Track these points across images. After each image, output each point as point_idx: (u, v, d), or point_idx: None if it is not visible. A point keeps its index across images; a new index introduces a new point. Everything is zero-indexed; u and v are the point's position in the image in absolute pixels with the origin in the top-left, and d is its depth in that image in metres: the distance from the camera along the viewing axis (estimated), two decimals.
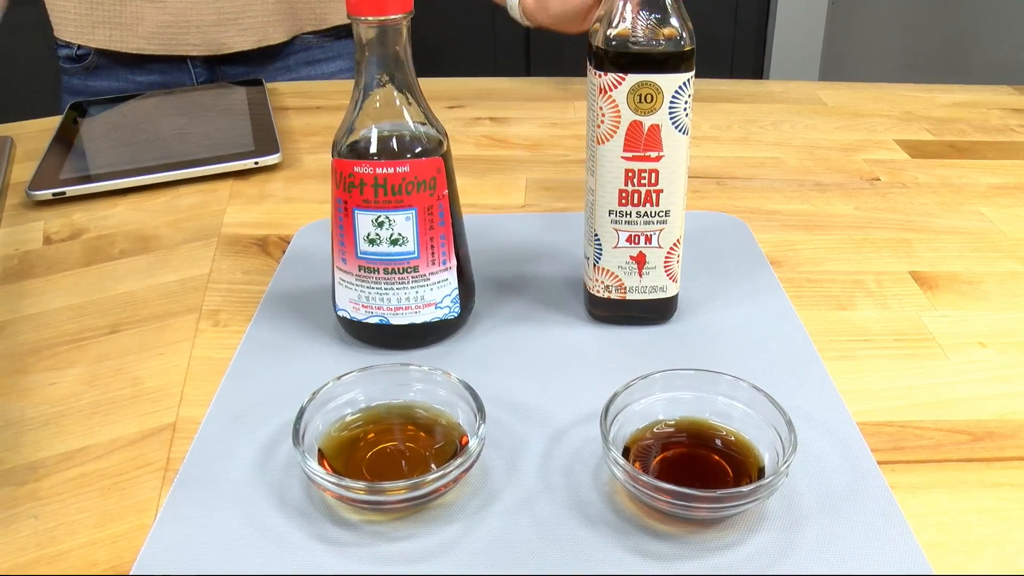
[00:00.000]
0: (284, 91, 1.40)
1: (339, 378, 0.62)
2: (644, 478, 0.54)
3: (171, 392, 0.71)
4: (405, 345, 0.73)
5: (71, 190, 1.03)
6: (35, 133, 1.23)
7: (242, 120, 1.21)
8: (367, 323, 0.72)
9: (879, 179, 1.07)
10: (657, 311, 0.76)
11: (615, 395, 0.60)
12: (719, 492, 0.54)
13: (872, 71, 3.13)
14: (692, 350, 0.74)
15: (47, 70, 1.69)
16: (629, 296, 0.74)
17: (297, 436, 0.57)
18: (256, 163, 1.08)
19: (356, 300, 0.71)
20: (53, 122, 1.25)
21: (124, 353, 0.76)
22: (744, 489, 0.54)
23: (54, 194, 1.02)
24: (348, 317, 0.72)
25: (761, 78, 3.13)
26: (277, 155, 1.09)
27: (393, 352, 0.73)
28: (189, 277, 0.87)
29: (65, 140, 1.18)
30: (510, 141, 1.20)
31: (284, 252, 0.90)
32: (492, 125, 1.25)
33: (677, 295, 0.76)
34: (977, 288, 0.84)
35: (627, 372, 0.64)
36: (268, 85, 1.35)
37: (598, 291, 0.75)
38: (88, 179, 1.05)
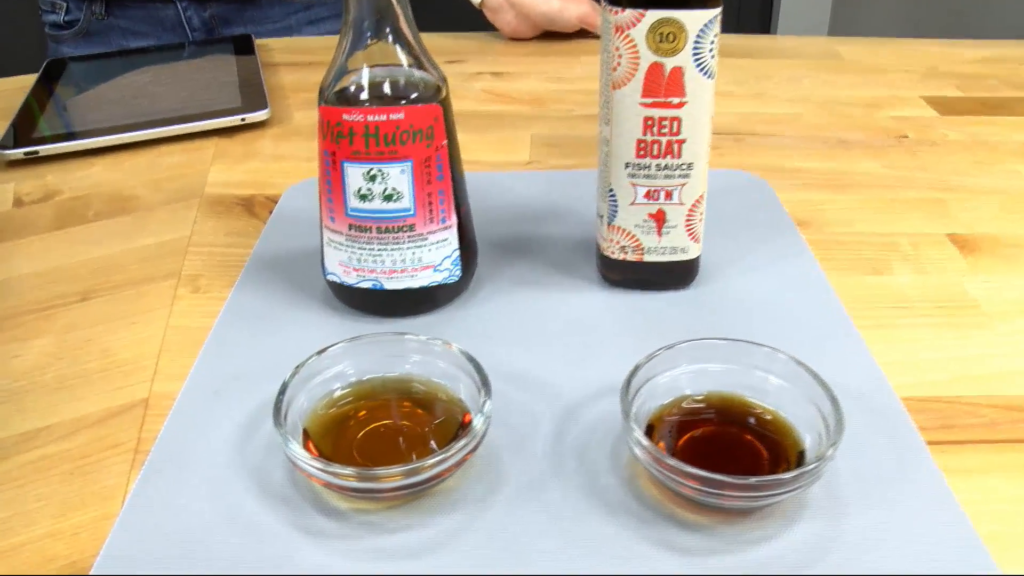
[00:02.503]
0: (275, 47, 1.33)
1: (325, 349, 0.55)
2: (670, 461, 0.48)
3: (144, 365, 0.65)
4: (400, 312, 0.67)
5: (45, 149, 0.96)
6: (9, 91, 1.16)
7: (229, 76, 1.14)
8: (358, 288, 0.65)
9: (907, 136, 1.01)
10: (676, 275, 0.69)
11: (637, 367, 0.53)
12: (756, 479, 0.48)
13: (883, 30, 3.06)
14: (715, 317, 0.67)
15: (30, 35, 1.62)
16: (646, 258, 0.68)
17: (279, 415, 0.51)
18: (243, 119, 1.01)
19: (346, 263, 0.64)
20: (28, 80, 1.18)
21: (95, 322, 0.70)
22: (785, 476, 0.47)
23: (26, 153, 0.96)
24: (338, 282, 0.66)
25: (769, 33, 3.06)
26: (265, 111, 1.03)
27: (387, 320, 0.67)
28: (168, 240, 0.81)
29: (41, 98, 1.11)
30: (512, 96, 1.13)
31: (271, 213, 0.83)
32: (493, 80, 1.18)
33: (698, 258, 0.69)
34: (1021, 252, 0.77)
35: (644, 341, 0.57)
36: (258, 41, 1.28)
37: (612, 252, 0.68)
38: (63, 137, 0.99)
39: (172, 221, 0.84)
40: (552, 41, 1.33)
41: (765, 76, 1.20)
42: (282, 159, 0.97)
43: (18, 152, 0.96)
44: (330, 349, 0.55)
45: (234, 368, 0.63)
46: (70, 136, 0.99)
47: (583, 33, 1.33)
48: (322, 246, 0.67)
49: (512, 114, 1.07)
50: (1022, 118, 1.07)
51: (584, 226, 0.78)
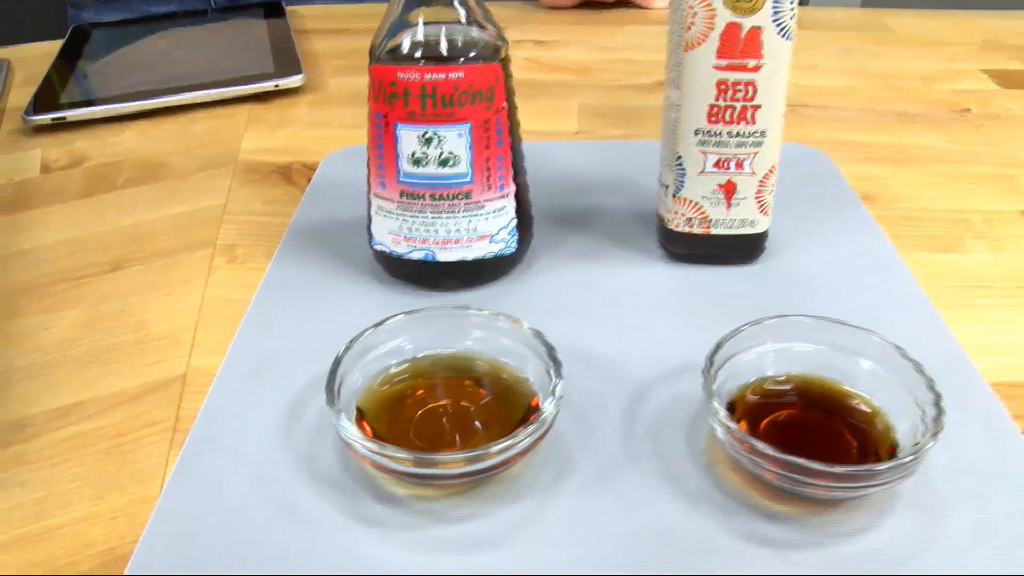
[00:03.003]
0: (305, 14, 1.28)
1: (382, 322, 0.51)
2: (756, 443, 0.44)
3: (181, 338, 0.61)
4: (453, 285, 0.63)
5: (73, 114, 0.92)
6: (36, 57, 1.12)
7: (260, 41, 1.10)
8: (409, 259, 0.61)
9: (969, 110, 0.96)
10: (743, 249, 0.65)
11: (720, 343, 0.49)
12: (850, 468, 0.44)
13: (920, 2, 2.99)
14: (785, 294, 0.63)
15: (50, 1, 1.58)
16: (713, 231, 0.63)
17: (332, 392, 0.47)
18: (277, 85, 0.97)
19: (397, 232, 0.60)
20: (53, 47, 1.14)
21: (128, 293, 0.66)
22: (881, 467, 0.43)
23: (53, 119, 0.92)
24: (387, 252, 0.62)
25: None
26: (300, 77, 0.98)
27: (437, 293, 0.63)
28: (202, 208, 0.77)
29: (68, 63, 1.07)
30: (556, 65, 1.09)
31: (310, 181, 0.79)
32: (535, 48, 1.14)
33: (767, 232, 0.65)
34: None
35: (712, 318, 0.54)
36: (288, 8, 1.24)
37: (677, 225, 0.64)
38: (92, 103, 0.95)
39: (206, 188, 0.80)
40: (591, 11, 1.28)
41: (813, 47, 1.16)
42: (319, 126, 0.93)
43: (45, 117, 0.92)
44: (387, 322, 0.52)
45: (276, 343, 0.59)
46: (98, 102, 0.95)
47: (622, 3, 1.28)
48: (369, 214, 0.63)
49: (557, 83, 1.03)
50: None
51: (641, 198, 0.74)
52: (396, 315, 0.52)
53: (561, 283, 0.65)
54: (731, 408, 0.50)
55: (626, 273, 0.66)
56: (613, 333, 0.59)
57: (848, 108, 0.97)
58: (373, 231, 0.63)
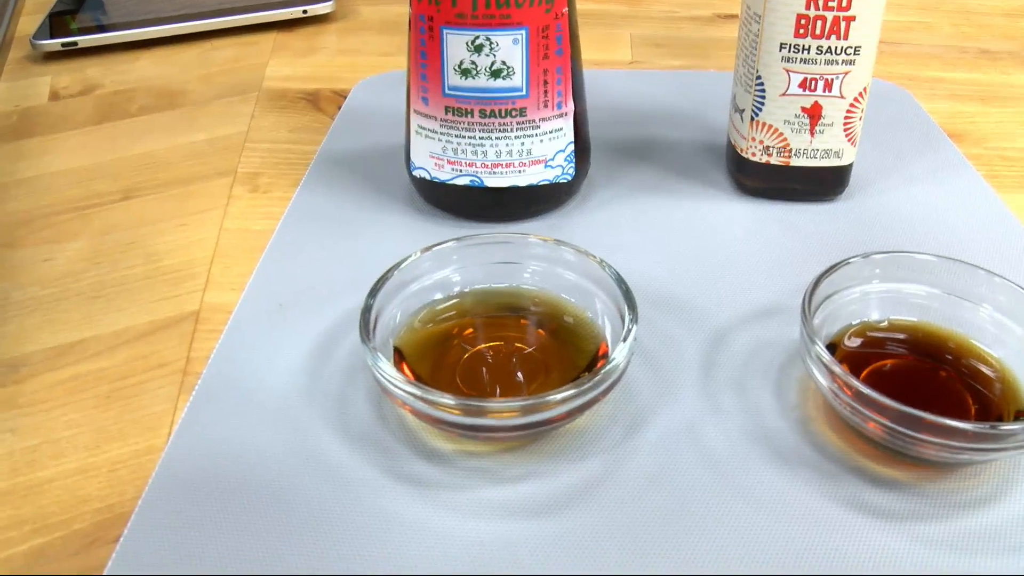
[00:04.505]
0: None
1: (427, 250, 0.44)
2: (864, 389, 0.36)
3: (195, 272, 0.54)
4: (502, 215, 0.56)
5: (84, 40, 0.85)
6: None
7: None
8: (453, 185, 0.54)
9: None
10: (825, 183, 0.58)
11: (820, 277, 0.42)
12: (978, 426, 0.36)
13: None
14: (874, 235, 0.56)
15: None
16: (794, 161, 0.56)
17: (366, 328, 0.40)
18: (305, 11, 0.90)
19: (440, 154, 0.53)
20: None
21: (138, 224, 0.59)
22: (1014, 427, 0.36)
23: (64, 44, 0.85)
24: (428, 178, 0.54)
25: None
26: (330, 2, 0.91)
27: (484, 224, 0.56)
28: (222, 136, 0.70)
29: None
30: None
31: (340, 108, 0.72)
32: None
33: (851, 165, 0.57)
34: None
35: (795, 258, 0.47)
36: None
37: (754, 154, 0.56)
38: (105, 28, 0.88)
39: (226, 115, 0.73)
40: None
41: None
42: (351, 53, 0.85)
43: (55, 43, 0.85)
44: (433, 249, 0.44)
45: (301, 278, 0.52)
46: (112, 27, 0.88)
47: None
48: (408, 136, 0.55)
49: (607, 13, 0.95)
50: None
51: (708, 129, 0.67)
52: (444, 241, 0.45)
53: (622, 217, 0.58)
54: (831, 348, 0.42)
55: (695, 208, 0.59)
56: (684, 272, 0.52)
57: (928, 44, 0.89)
58: (412, 155, 0.55)
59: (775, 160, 0.57)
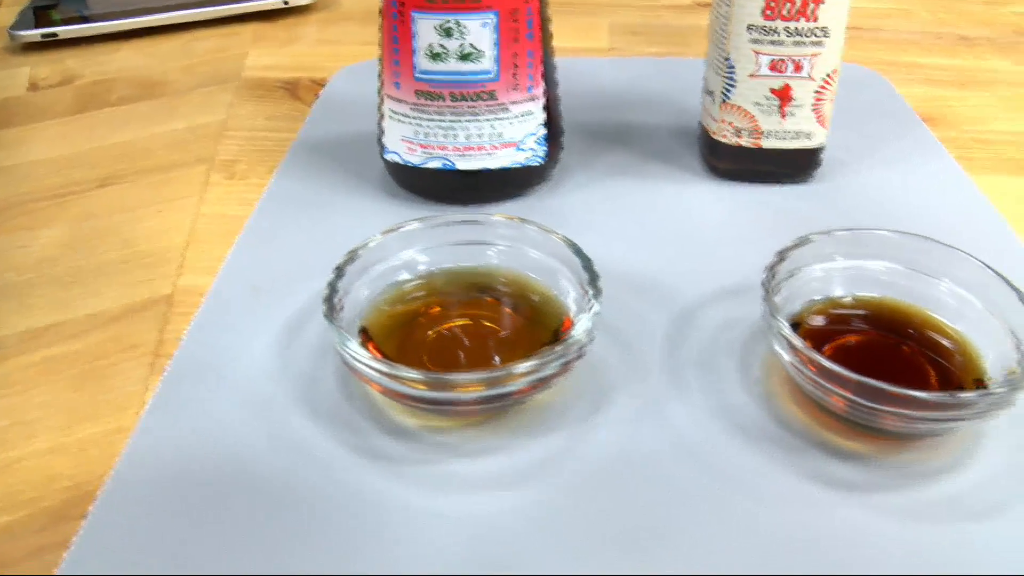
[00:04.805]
0: None
1: (392, 230, 0.44)
2: (826, 363, 0.37)
3: (169, 257, 0.55)
4: (474, 198, 0.56)
5: (64, 31, 0.85)
6: None
7: None
8: (425, 168, 0.54)
9: None
10: (797, 165, 0.58)
11: (783, 253, 0.42)
12: (936, 396, 0.37)
13: None
14: (845, 214, 0.57)
15: None
16: (765, 143, 0.56)
17: (331, 307, 0.40)
18: (285, 2, 0.90)
19: (412, 138, 0.53)
20: None
21: (114, 210, 0.60)
22: (970, 396, 0.36)
23: (43, 35, 0.85)
24: (400, 161, 0.55)
25: None
26: None
27: (457, 208, 0.56)
28: (201, 124, 0.70)
29: None
30: None
31: (318, 96, 0.72)
32: None
33: (823, 147, 0.58)
34: None
35: (764, 238, 0.47)
36: None
37: (725, 136, 0.57)
38: (85, 19, 0.88)
39: (206, 104, 0.74)
40: None
41: None
42: (330, 43, 0.86)
43: (34, 34, 0.85)
44: (399, 229, 0.45)
45: (276, 261, 0.52)
46: (93, 18, 0.88)
47: None
48: (381, 121, 0.56)
49: (587, 0, 0.95)
50: None
51: (682, 114, 0.67)
52: (409, 221, 0.45)
53: (595, 199, 0.58)
54: (794, 326, 0.43)
55: (667, 190, 0.59)
56: (654, 252, 0.53)
57: (905, 31, 0.89)
58: (385, 139, 0.56)
59: (746, 142, 0.57)
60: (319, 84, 0.76)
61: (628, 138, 0.65)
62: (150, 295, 0.52)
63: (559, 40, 0.75)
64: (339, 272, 0.42)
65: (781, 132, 0.56)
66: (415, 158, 0.54)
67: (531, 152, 0.54)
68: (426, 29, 0.50)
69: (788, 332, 0.39)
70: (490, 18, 0.50)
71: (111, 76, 0.80)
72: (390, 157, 0.56)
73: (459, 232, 0.46)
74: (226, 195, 0.61)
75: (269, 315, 0.48)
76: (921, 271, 0.44)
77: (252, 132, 0.69)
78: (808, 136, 0.57)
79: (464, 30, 0.50)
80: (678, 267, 0.51)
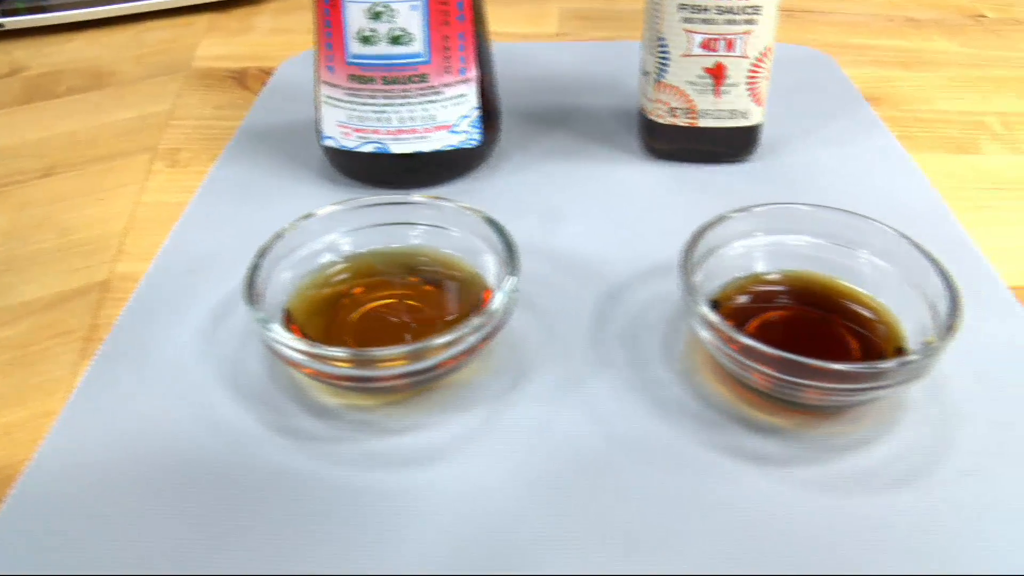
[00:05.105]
0: None
1: (311, 214, 0.45)
2: (742, 338, 0.37)
3: (107, 245, 0.55)
4: (410, 182, 0.56)
5: (10, 21, 0.85)
6: None
7: None
8: (360, 153, 0.54)
9: (984, 16, 0.89)
10: (734, 144, 0.59)
11: (700, 232, 0.43)
12: (853, 366, 0.37)
13: None
14: (782, 192, 0.57)
15: None
16: (701, 122, 0.57)
17: (252, 291, 0.40)
18: None
19: (346, 122, 0.54)
20: None
21: (55, 199, 0.60)
22: (886, 365, 0.36)
23: None
24: (336, 146, 0.55)
25: None
26: None
27: (395, 192, 0.56)
28: (148, 114, 0.70)
29: None
30: None
31: (265, 85, 0.72)
32: None
33: (761, 125, 0.58)
34: None
35: (699, 216, 0.47)
36: None
37: (661, 116, 0.57)
38: (33, 10, 0.87)
39: (153, 94, 0.74)
40: None
41: None
42: (284, 32, 0.86)
43: None
44: (319, 212, 0.45)
45: (212, 246, 0.53)
46: (41, 9, 0.87)
47: None
48: (318, 107, 0.56)
49: None
50: None
51: (625, 96, 0.67)
52: (331, 205, 0.45)
53: (533, 181, 0.58)
54: (715, 307, 0.43)
55: (604, 171, 0.59)
56: (587, 232, 0.53)
57: (855, 12, 0.90)
58: (322, 125, 0.56)
59: (682, 121, 0.57)
60: (268, 73, 0.76)
61: (570, 121, 0.65)
62: (85, 282, 0.52)
63: (507, 26, 0.76)
64: (260, 256, 0.42)
65: (716, 111, 0.56)
66: (350, 142, 0.55)
67: (465, 135, 0.55)
68: (356, 13, 0.51)
69: (706, 311, 0.39)
70: (419, 1, 0.50)
71: (60, 67, 0.80)
72: (327, 142, 0.56)
73: (381, 214, 0.46)
74: (168, 183, 0.61)
75: (202, 300, 0.48)
76: (841, 243, 0.44)
77: (198, 121, 0.69)
78: (744, 115, 0.57)
79: (394, 13, 0.50)
80: (610, 246, 0.52)
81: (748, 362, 0.38)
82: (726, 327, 0.38)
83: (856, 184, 0.58)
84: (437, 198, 0.46)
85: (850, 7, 0.91)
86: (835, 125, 0.65)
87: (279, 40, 0.83)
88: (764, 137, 0.60)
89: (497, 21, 0.79)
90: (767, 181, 0.58)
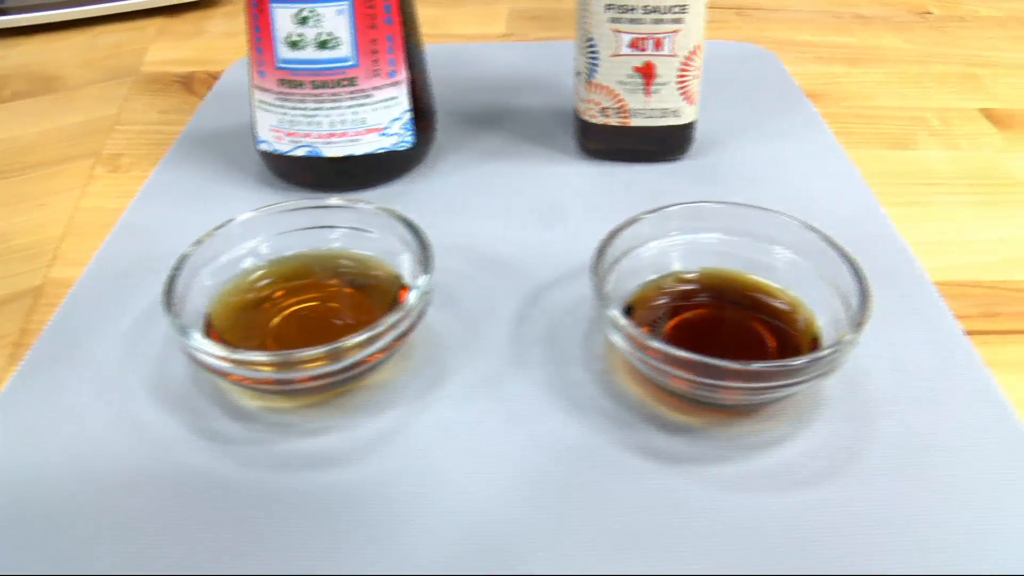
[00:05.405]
0: None
1: (229, 221, 0.45)
2: (655, 344, 0.38)
3: (44, 250, 0.55)
4: (345, 184, 0.57)
5: None
6: None
7: None
8: (293, 156, 0.55)
9: (930, 12, 0.90)
10: (668, 143, 0.59)
11: (613, 234, 0.43)
12: (759, 365, 0.37)
13: None
14: (714, 191, 0.57)
15: None
16: (633, 122, 0.57)
17: (170, 299, 0.40)
18: None
19: (279, 126, 0.54)
20: None
21: None
22: (795, 362, 0.37)
23: None
24: (271, 150, 0.55)
25: None
26: None
27: (332, 194, 0.56)
28: (93, 119, 0.71)
29: None
30: None
31: (211, 89, 0.73)
32: None
33: (694, 123, 0.59)
34: None
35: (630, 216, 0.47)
36: None
37: (593, 116, 0.58)
38: None
39: (100, 99, 0.74)
40: None
41: None
42: (234, 36, 0.86)
43: None
44: (239, 219, 0.45)
45: (147, 250, 0.53)
46: None
47: None
48: (253, 111, 0.56)
49: None
50: None
51: (565, 96, 0.68)
52: (248, 212, 0.46)
53: (467, 182, 0.59)
54: (630, 310, 0.44)
55: (539, 171, 0.60)
56: (516, 232, 0.53)
57: (804, 10, 0.91)
58: (257, 129, 0.56)
59: (613, 121, 0.58)
60: (215, 77, 0.76)
61: (509, 121, 0.66)
62: (18, 288, 0.52)
63: (457, 28, 0.76)
64: (179, 264, 0.42)
65: (648, 110, 0.57)
66: (284, 146, 0.55)
67: (397, 137, 0.55)
68: (283, 18, 0.51)
69: (618, 318, 0.39)
70: (345, 5, 0.51)
71: (7, 71, 0.80)
72: (262, 146, 0.56)
73: (300, 218, 0.46)
74: (108, 188, 0.61)
75: (131, 305, 0.49)
76: (755, 239, 0.45)
77: (143, 126, 0.69)
78: (676, 114, 0.57)
79: (320, 18, 0.51)
80: (539, 247, 0.52)
81: (663, 366, 0.39)
82: (639, 334, 0.39)
83: (789, 181, 0.58)
84: (355, 201, 0.46)
85: (800, 4, 0.92)
86: (774, 123, 0.66)
87: (229, 44, 0.84)
88: (701, 134, 0.61)
89: (446, 22, 0.80)
90: (700, 179, 0.58)
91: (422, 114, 0.56)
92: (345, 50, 0.52)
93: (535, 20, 0.87)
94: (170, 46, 0.84)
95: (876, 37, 0.84)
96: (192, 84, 0.75)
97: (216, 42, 0.84)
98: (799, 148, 0.62)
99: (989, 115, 0.69)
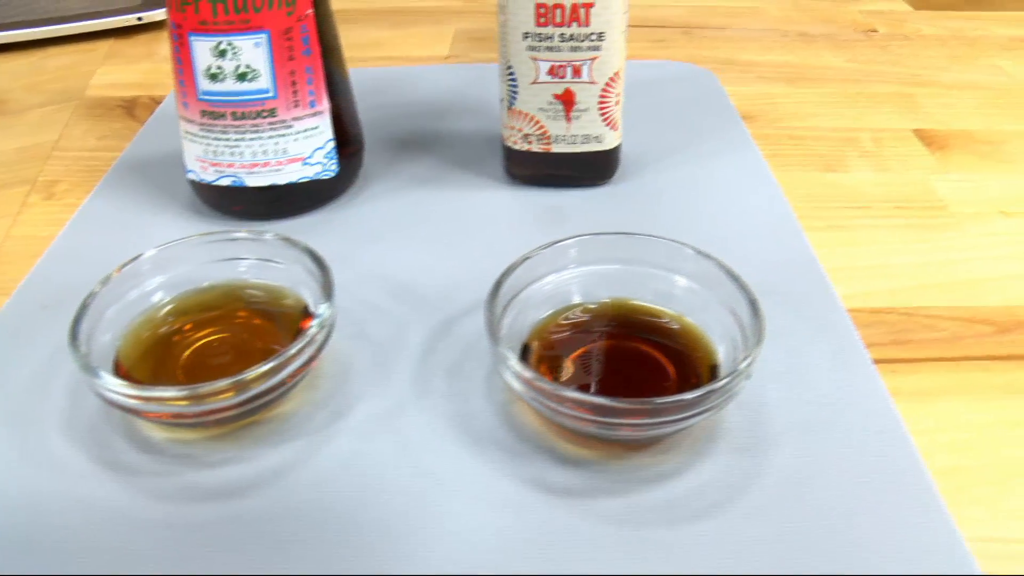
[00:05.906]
0: None
1: (140, 256, 0.45)
2: (545, 384, 0.38)
3: None
4: (271, 213, 0.57)
5: None
6: None
7: None
8: (218, 186, 0.56)
9: (876, 31, 0.91)
10: (592, 168, 0.60)
11: (509, 270, 0.44)
12: (649, 402, 0.38)
13: None
14: (635, 217, 0.58)
15: None
16: (555, 148, 0.58)
17: (75, 339, 0.41)
18: (140, 19, 0.91)
19: (203, 156, 0.55)
20: None
21: None
22: (687, 396, 0.37)
23: None
24: (197, 179, 0.56)
25: None
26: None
27: (258, 223, 0.57)
28: (31, 145, 0.71)
29: None
30: None
31: (152, 115, 0.73)
32: None
33: (618, 148, 0.59)
34: (998, 149, 0.68)
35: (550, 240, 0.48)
36: None
37: (516, 142, 0.58)
38: None
39: (43, 124, 0.74)
40: None
41: None
42: None
43: None
44: (145, 255, 0.46)
45: (73, 279, 0.53)
46: None
47: None
48: (181, 140, 0.57)
49: (438, 9, 0.97)
50: (1007, 13, 0.97)
51: (498, 120, 0.68)
52: (153, 248, 0.46)
53: (392, 209, 0.59)
54: (527, 348, 0.44)
55: (464, 198, 0.60)
56: (433, 261, 0.54)
57: (750, 28, 0.92)
58: (185, 158, 0.57)
59: (536, 147, 0.58)
60: (158, 102, 0.77)
61: (439, 146, 0.67)
62: None
63: (402, 50, 0.77)
64: (85, 304, 0.43)
65: (569, 136, 0.58)
66: (209, 176, 0.56)
67: (320, 166, 0.56)
68: (203, 50, 0.52)
69: (509, 358, 0.39)
70: (262, 38, 0.51)
71: None
72: (190, 176, 0.57)
73: (208, 251, 0.47)
74: (41, 216, 0.62)
75: (48, 335, 0.49)
76: (653, 267, 0.45)
77: (81, 152, 0.70)
78: (598, 139, 0.58)
79: (237, 51, 0.51)
80: (456, 274, 0.53)
81: (557, 407, 0.39)
82: (531, 374, 0.38)
83: (710, 206, 0.59)
84: (260, 232, 0.47)
85: (746, 23, 0.93)
86: (704, 144, 0.66)
87: None
88: (630, 156, 0.62)
89: (392, 44, 0.81)
90: (623, 204, 0.59)
91: (347, 142, 0.57)
92: (264, 82, 0.52)
93: (478, 41, 0.87)
94: (118, 69, 0.84)
95: (817, 56, 0.85)
96: (135, 109, 0.76)
97: (164, 65, 0.85)
98: (725, 172, 0.63)
99: (922, 136, 0.70)
